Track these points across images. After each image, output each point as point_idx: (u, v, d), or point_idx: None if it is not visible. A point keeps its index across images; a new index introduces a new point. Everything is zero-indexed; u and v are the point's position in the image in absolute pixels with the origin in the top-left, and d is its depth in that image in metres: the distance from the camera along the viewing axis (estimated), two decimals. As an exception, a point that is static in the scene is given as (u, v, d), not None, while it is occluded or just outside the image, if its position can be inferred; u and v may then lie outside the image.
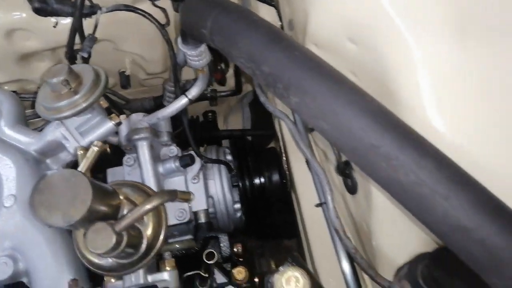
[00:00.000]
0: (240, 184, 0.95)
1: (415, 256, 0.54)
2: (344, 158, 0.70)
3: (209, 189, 0.90)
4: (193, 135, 0.88)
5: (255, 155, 0.99)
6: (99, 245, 0.45)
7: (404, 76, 0.44)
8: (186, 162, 0.83)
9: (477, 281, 0.41)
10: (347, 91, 0.37)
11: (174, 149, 0.85)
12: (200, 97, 1.19)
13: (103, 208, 0.47)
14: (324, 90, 0.37)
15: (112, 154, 0.91)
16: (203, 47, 0.67)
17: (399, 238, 0.60)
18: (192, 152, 0.87)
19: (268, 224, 1.05)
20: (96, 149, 0.60)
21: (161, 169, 0.84)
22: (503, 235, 0.31)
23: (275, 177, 1.00)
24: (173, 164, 0.83)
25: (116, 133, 0.82)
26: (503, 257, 0.31)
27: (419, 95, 0.45)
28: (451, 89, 0.45)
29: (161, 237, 0.56)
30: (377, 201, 0.61)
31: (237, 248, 0.83)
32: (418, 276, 0.52)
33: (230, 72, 1.17)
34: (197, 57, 0.68)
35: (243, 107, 1.52)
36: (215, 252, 0.72)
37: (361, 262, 0.68)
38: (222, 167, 0.92)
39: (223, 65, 0.91)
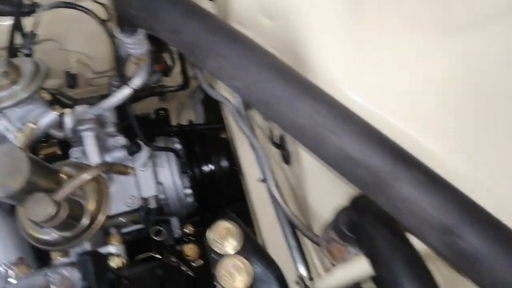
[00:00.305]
0: (190, 171, 0.99)
1: (339, 208, 0.61)
2: (277, 132, 0.76)
3: (158, 176, 0.93)
4: (141, 130, 0.91)
5: (203, 143, 1.04)
6: (38, 214, 0.47)
7: (311, 44, 0.50)
8: (133, 150, 0.86)
9: (391, 220, 0.47)
10: (255, 53, 0.42)
11: (120, 139, 0.88)
12: (149, 93, 1.23)
13: (42, 182, 0.50)
14: (236, 52, 0.42)
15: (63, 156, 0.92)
16: (140, 35, 0.70)
17: (329, 197, 0.66)
18: (140, 142, 0.90)
19: (221, 210, 1.09)
20: (31, 125, 0.62)
21: (108, 158, 0.86)
22: (384, 161, 0.38)
23: (224, 163, 1.04)
24: (120, 153, 0.86)
25: (61, 127, 0.84)
26: (385, 179, 0.38)
27: (326, 61, 0.52)
28: (353, 55, 0.52)
29: (104, 210, 0.59)
30: (306, 165, 0.68)
31: (188, 229, 0.87)
32: (341, 224, 0.58)
33: (178, 69, 1.21)
34: (135, 44, 0.72)
35: (195, 104, 1.56)
36: (163, 229, 0.75)
37: (300, 226, 0.74)
38: (171, 154, 0.95)
39: (166, 57, 0.96)
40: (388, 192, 0.38)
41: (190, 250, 0.80)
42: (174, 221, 0.85)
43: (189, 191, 0.98)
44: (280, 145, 0.75)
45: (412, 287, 0.41)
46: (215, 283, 0.49)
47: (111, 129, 0.88)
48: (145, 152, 0.90)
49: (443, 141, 0.47)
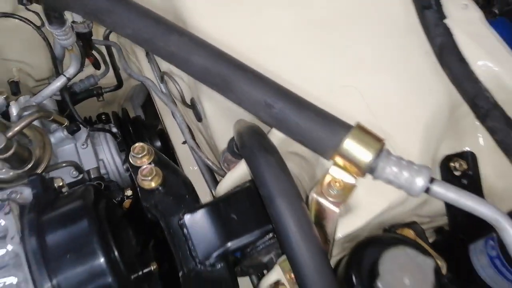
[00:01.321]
0: (127, 149, 1.15)
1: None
2: (188, 96, 0.95)
3: (98, 154, 1.09)
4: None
5: (136, 126, 1.21)
6: (-7, 145, 0.62)
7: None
8: (72, 129, 1.01)
9: (264, 140, 0.67)
10: (137, 8, 0.62)
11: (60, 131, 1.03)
12: (87, 95, 1.38)
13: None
14: (123, 8, 0.61)
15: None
16: (67, 27, 0.88)
17: (229, 134, 0.85)
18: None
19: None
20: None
21: (52, 139, 1.01)
22: (229, 69, 0.58)
23: (157, 142, 1.22)
24: (62, 133, 1.01)
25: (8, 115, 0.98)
26: (231, 81, 0.58)
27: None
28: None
29: (47, 157, 0.74)
30: (209, 113, 0.87)
31: (127, 191, 1.02)
32: (233, 146, 0.77)
33: (111, 73, 1.38)
34: (64, 35, 0.89)
35: (135, 108, 1.72)
36: (101, 182, 0.91)
37: (213, 167, 0.92)
38: (108, 135, 1.12)
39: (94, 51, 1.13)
40: (234, 90, 0.57)
41: (127, 203, 0.95)
42: (113, 184, 1.00)
43: (127, 166, 1.14)
44: (192, 105, 0.93)
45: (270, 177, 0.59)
46: (137, 186, 0.66)
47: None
48: (83, 132, 1.05)
49: (284, 65, 0.69)
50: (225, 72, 0.58)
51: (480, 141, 0.71)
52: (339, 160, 0.56)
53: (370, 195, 0.61)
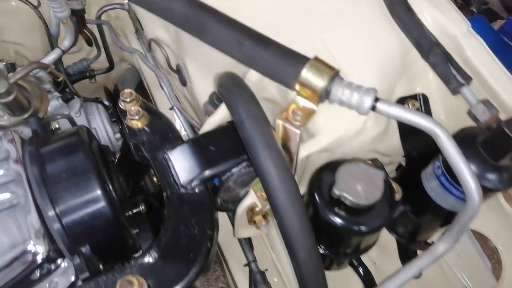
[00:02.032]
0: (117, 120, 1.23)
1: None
2: (174, 62, 1.03)
3: (91, 123, 1.17)
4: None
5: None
6: (-4, 89, 0.70)
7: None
8: (67, 97, 1.09)
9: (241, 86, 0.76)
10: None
11: (56, 93, 1.11)
12: (80, 77, 1.46)
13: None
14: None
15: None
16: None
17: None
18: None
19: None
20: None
21: (48, 108, 1.09)
22: (202, 13, 0.67)
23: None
24: (57, 102, 1.09)
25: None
26: (206, 25, 0.66)
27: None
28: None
29: (44, 108, 0.82)
30: (193, 75, 0.95)
31: (118, 155, 1.10)
32: (214, 99, 0.86)
33: (103, 57, 1.46)
34: (59, 8, 0.97)
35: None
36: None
37: (197, 126, 1.01)
38: (100, 106, 1.20)
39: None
40: (210, 32, 0.66)
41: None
42: (106, 148, 1.08)
43: (118, 135, 1.22)
44: (177, 71, 1.02)
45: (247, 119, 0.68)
46: (125, 126, 0.74)
47: (48, 86, 1.11)
48: (77, 102, 1.13)
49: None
50: (202, 17, 0.67)
51: (431, 84, 0.80)
52: (300, 88, 0.64)
53: (329, 123, 0.70)
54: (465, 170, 0.58)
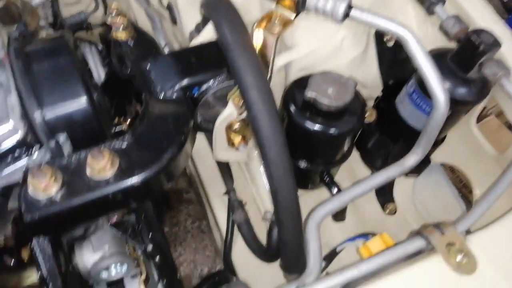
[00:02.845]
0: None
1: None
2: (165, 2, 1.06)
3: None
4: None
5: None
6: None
7: None
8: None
9: None
10: None
11: (50, 28, 1.14)
12: (76, 28, 1.48)
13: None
14: None
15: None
16: None
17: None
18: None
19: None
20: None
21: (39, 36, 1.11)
22: None
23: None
24: (50, 31, 1.12)
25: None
26: None
27: None
28: None
29: (34, 25, 0.84)
30: (182, 8, 0.98)
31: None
32: (199, 25, 0.88)
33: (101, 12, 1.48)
34: None
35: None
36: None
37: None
38: (93, 47, 1.22)
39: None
40: None
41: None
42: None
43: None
44: (168, 8, 1.04)
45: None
46: (111, 39, 0.77)
47: (43, 22, 1.14)
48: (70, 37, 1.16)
49: None
50: None
51: (408, 16, 0.82)
52: (280, -2, 0.67)
53: (306, 36, 0.72)
54: (431, 72, 0.61)
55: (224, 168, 0.97)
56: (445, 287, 0.53)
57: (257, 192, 1.00)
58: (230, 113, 0.73)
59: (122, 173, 0.58)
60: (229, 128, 0.80)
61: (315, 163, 0.76)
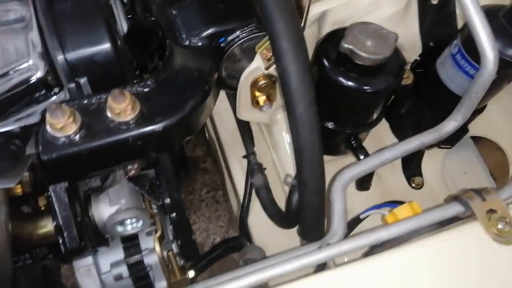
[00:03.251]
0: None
1: None
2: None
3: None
4: None
5: None
6: None
7: None
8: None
9: None
10: None
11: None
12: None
13: None
14: None
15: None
16: None
17: None
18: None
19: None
20: None
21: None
22: None
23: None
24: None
25: None
26: None
27: None
28: None
29: None
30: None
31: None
32: None
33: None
34: None
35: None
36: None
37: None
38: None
39: None
40: None
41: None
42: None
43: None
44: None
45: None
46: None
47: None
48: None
49: None
50: None
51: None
52: None
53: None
54: (482, 27, 0.55)
55: (245, 131, 0.93)
56: (483, 256, 0.49)
57: (278, 157, 0.97)
58: (258, 66, 0.69)
59: (143, 118, 0.55)
60: (254, 85, 0.76)
61: (344, 124, 0.72)
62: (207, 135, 1.36)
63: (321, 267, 0.75)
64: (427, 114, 0.75)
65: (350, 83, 0.62)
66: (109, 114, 0.53)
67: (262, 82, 0.76)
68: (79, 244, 0.69)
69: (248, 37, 0.71)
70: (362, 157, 0.72)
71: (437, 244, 0.50)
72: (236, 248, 1.30)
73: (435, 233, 0.52)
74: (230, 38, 0.70)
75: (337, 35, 0.64)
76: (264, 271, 0.49)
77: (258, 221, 0.95)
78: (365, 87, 0.62)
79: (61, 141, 0.52)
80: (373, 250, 0.58)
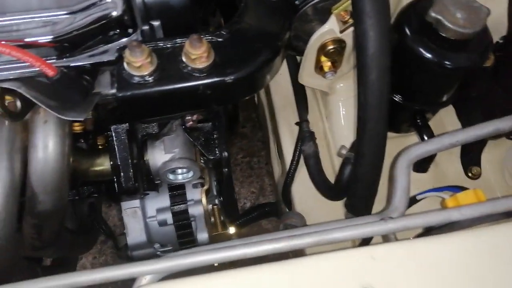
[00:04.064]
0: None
1: None
2: None
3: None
4: None
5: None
6: None
7: None
8: None
9: None
10: None
11: None
12: None
13: None
14: None
15: None
16: None
17: None
18: None
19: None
20: None
21: None
22: None
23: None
24: None
25: None
26: None
27: None
28: None
29: None
30: None
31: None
32: None
33: None
34: None
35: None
36: None
37: None
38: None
39: None
40: None
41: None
42: None
43: None
44: None
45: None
46: None
47: None
48: None
49: None
50: None
51: None
52: None
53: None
54: None
55: (301, 97, 0.91)
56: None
57: (331, 128, 0.95)
58: (331, 28, 0.66)
59: (216, 67, 0.55)
60: (321, 49, 0.74)
61: (412, 99, 0.68)
62: (256, 99, 1.35)
63: (367, 241, 0.74)
64: (503, 101, 0.71)
65: (430, 56, 0.58)
66: (184, 59, 0.53)
67: (331, 47, 0.73)
68: (133, 184, 0.71)
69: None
70: (426, 137, 0.69)
71: (505, 234, 0.48)
72: (272, 214, 1.32)
73: (502, 222, 0.50)
74: (306, -5, 0.68)
75: (424, 2, 0.60)
76: (322, 234, 0.48)
77: (302, 189, 0.95)
78: (446, 62, 0.58)
79: (136, 80, 0.53)
80: (430, 232, 0.57)
